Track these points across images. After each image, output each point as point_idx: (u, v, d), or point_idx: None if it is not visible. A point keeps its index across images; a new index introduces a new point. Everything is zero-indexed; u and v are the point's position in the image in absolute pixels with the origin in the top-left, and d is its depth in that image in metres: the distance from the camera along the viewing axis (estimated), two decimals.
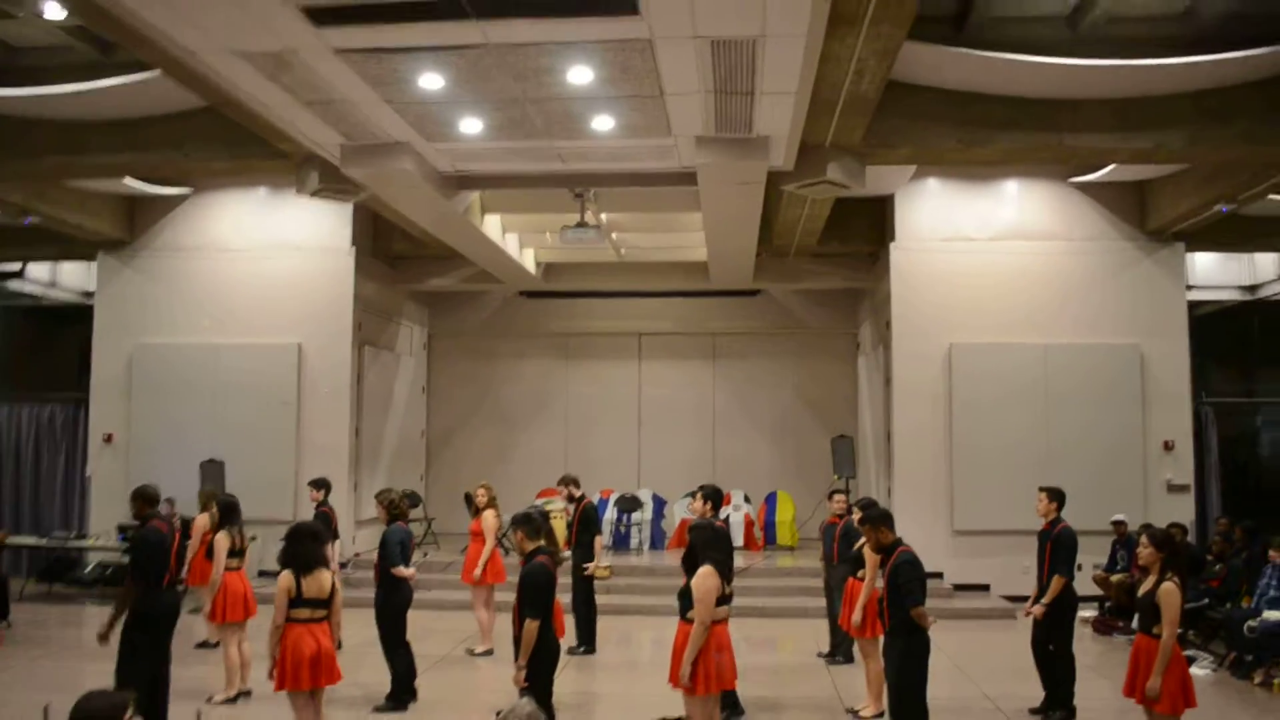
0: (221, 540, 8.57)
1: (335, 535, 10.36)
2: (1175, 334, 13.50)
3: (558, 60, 7.75)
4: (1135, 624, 6.31)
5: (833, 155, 10.20)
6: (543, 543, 6.49)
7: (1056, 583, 8.00)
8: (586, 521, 10.53)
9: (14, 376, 17.49)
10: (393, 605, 8.46)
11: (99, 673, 9.45)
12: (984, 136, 10.36)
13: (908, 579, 6.30)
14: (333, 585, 6.55)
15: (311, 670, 6.32)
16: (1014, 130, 10.32)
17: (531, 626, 6.14)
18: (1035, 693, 8.23)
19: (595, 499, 15.93)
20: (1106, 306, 13.53)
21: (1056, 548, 8.12)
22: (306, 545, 6.48)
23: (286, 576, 6.33)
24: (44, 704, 4.23)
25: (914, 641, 6.28)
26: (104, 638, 7.14)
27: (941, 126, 10.32)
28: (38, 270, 17.17)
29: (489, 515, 10.40)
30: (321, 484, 10.75)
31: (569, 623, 10.04)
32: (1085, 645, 10.84)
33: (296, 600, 6.32)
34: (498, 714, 3.56)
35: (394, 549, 8.44)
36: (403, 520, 8.74)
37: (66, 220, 13.56)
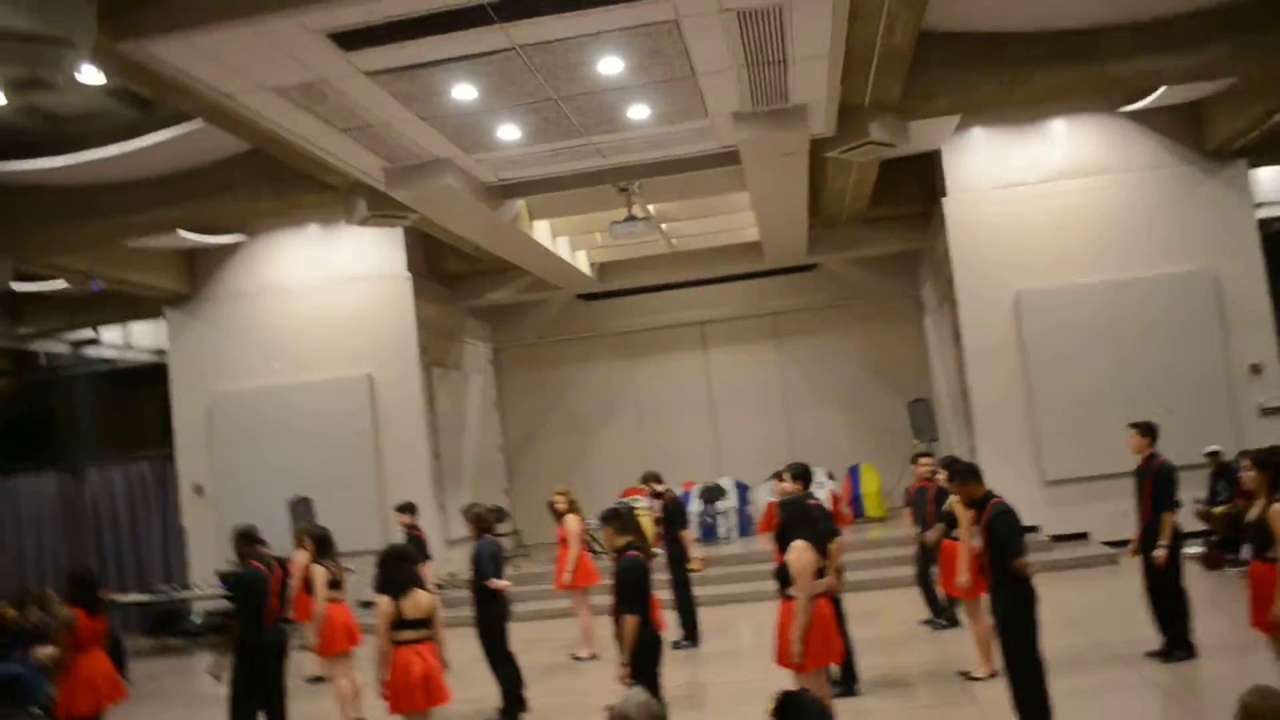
0: (319, 573, 8.66)
1: (428, 556, 10.48)
2: (1248, 254, 13.07)
3: (586, 53, 7.73)
4: (1248, 553, 6.06)
5: (873, 115, 10.03)
6: (632, 537, 6.46)
7: (1167, 519, 7.71)
8: (672, 517, 10.49)
9: (102, 438, 18.00)
10: (492, 619, 8.50)
11: (215, 718, 9.67)
12: (1024, 75, 10.14)
13: (1006, 530, 6.13)
14: (432, 605, 6.61)
15: (424, 691, 6.37)
16: (1054, 65, 10.10)
17: (631, 621, 6.13)
18: (1150, 636, 8.00)
19: (678, 492, 15.98)
20: (1174, 234, 13.15)
21: (1158, 483, 7.83)
22: (399, 568, 6.53)
23: (385, 602, 6.37)
24: None
25: (1020, 594, 6.10)
26: (216, 676, 7.28)
27: (980, 71, 10.13)
28: (110, 334, 17.65)
29: (571, 520, 10.41)
30: (407, 508, 10.90)
31: (669, 618, 10.04)
32: (1195, 582, 10.51)
33: (398, 623, 6.36)
34: (608, 709, 3.52)
35: (486, 563, 8.49)
36: (491, 533, 8.79)
37: (131, 280, 13.91)
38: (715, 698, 8.51)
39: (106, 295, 14.79)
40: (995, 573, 6.15)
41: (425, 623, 6.48)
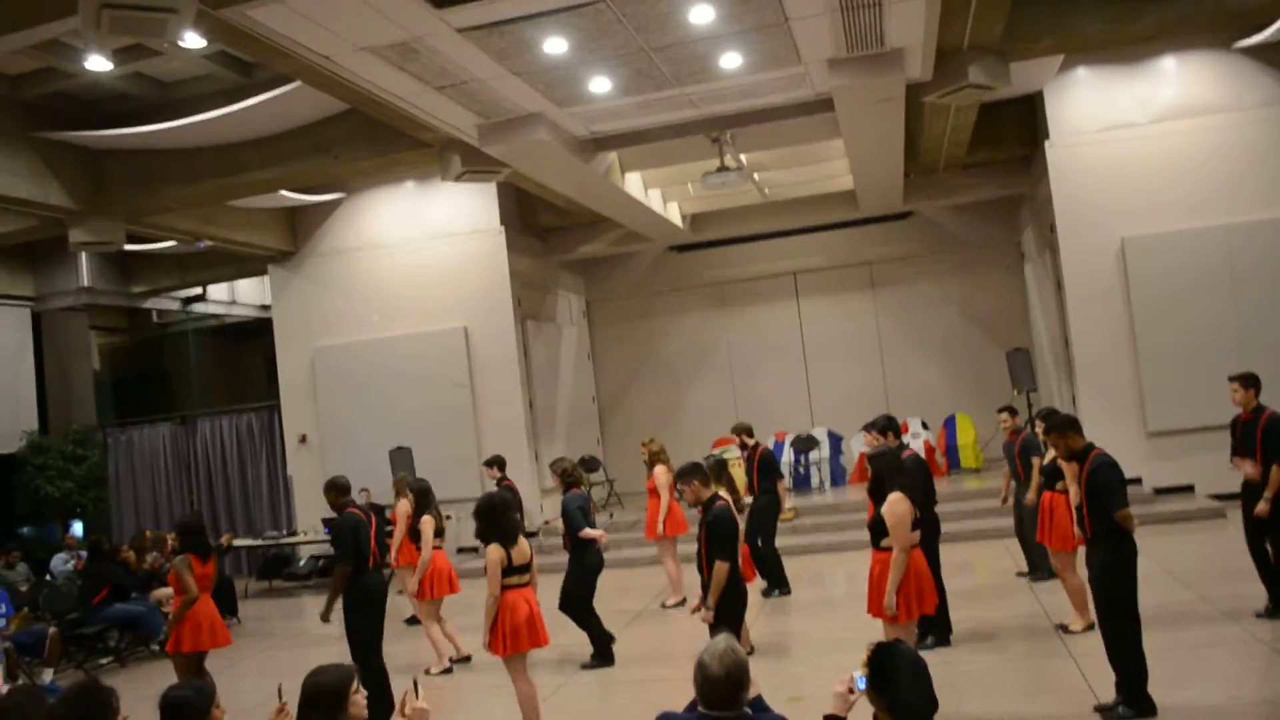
0: (426, 523, 8.95)
1: (520, 507, 10.72)
2: None
3: (677, 3, 7.66)
4: None
5: (972, 57, 9.73)
6: (720, 487, 6.51)
7: (1276, 473, 7.40)
8: (765, 468, 10.46)
9: (210, 391, 18.71)
10: (585, 570, 8.65)
11: (323, 655, 9.98)
12: (1132, 12, 9.73)
13: (1108, 481, 5.99)
14: (532, 552, 6.78)
15: (529, 633, 6.55)
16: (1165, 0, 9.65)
17: (722, 568, 6.23)
18: (1258, 594, 7.77)
19: (770, 442, 15.98)
20: None
21: (1268, 436, 7.48)
22: (506, 516, 6.69)
23: (496, 549, 6.51)
24: (276, 685, 4.50)
25: (1121, 547, 5.97)
26: (325, 618, 7.59)
27: (1084, 8, 9.75)
28: (218, 291, 18.26)
29: (660, 471, 10.50)
30: (495, 462, 11.13)
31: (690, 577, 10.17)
32: None
33: (507, 569, 6.53)
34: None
35: (575, 514, 8.65)
36: (577, 486, 8.96)
37: (236, 239, 14.33)
38: (803, 646, 8.55)
39: (213, 254, 15.30)
40: (1095, 525, 6.02)
41: (528, 568, 6.66)
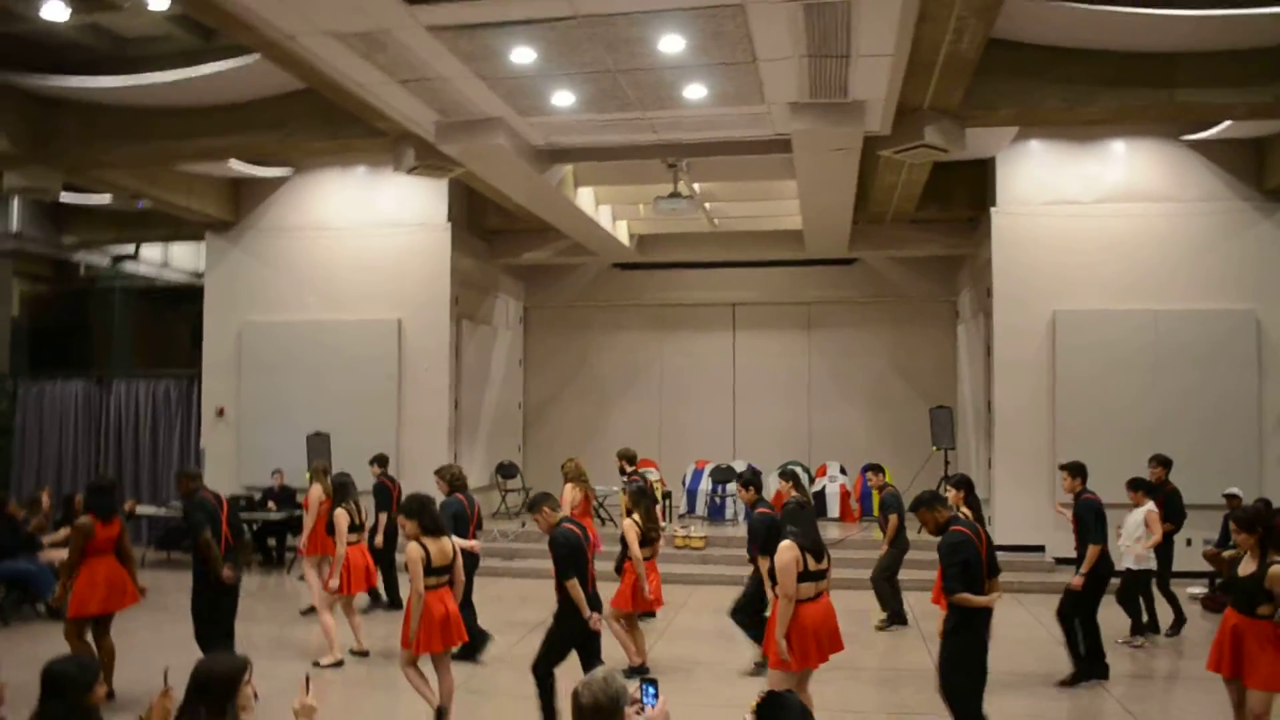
0: (341, 516, 8.86)
1: (395, 505, 10.97)
2: None
3: (648, 29, 7.71)
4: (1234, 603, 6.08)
5: (931, 118, 9.95)
6: (564, 513, 6.95)
7: (1092, 551, 8.06)
8: (637, 498, 10.44)
9: (131, 353, 18.26)
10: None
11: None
12: (1090, 94, 10.00)
13: (945, 562, 6.04)
14: (454, 552, 6.83)
15: (444, 633, 6.61)
16: (1122, 87, 9.94)
17: (574, 584, 6.56)
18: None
19: (690, 470, 16.07)
20: (1221, 270, 12.96)
21: (1080, 519, 8.26)
22: (430, 515, 6.67)
23: (416, 548, 6.53)
24: (164, 667, 4.41)
25: (967, 618, 6.00)
26: (228, 579, 7.71)
27: (1045, 85, 9.99)
28: (151, 252, 17.88)
29: (567, 489, 10.50)
30: (379, 460, 11.33)
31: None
32: (1195, 622, 10.52)
33: (427, 569, 6.54)
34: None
35: (448, 520, 8.72)
36: (460, 493, 9.08)
37: (175, 203, 14.03)
38: (702, 674, 8.58)
39: (150, 214, 14.98)
40: (946, 597, 6.12)
41: (448, 569, 6.68)
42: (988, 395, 13.99)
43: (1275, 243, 12.95)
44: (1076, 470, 8.53)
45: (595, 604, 6.76)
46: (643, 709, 3.82)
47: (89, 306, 18.88)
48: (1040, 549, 12.65)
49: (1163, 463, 10.02)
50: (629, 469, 10.67)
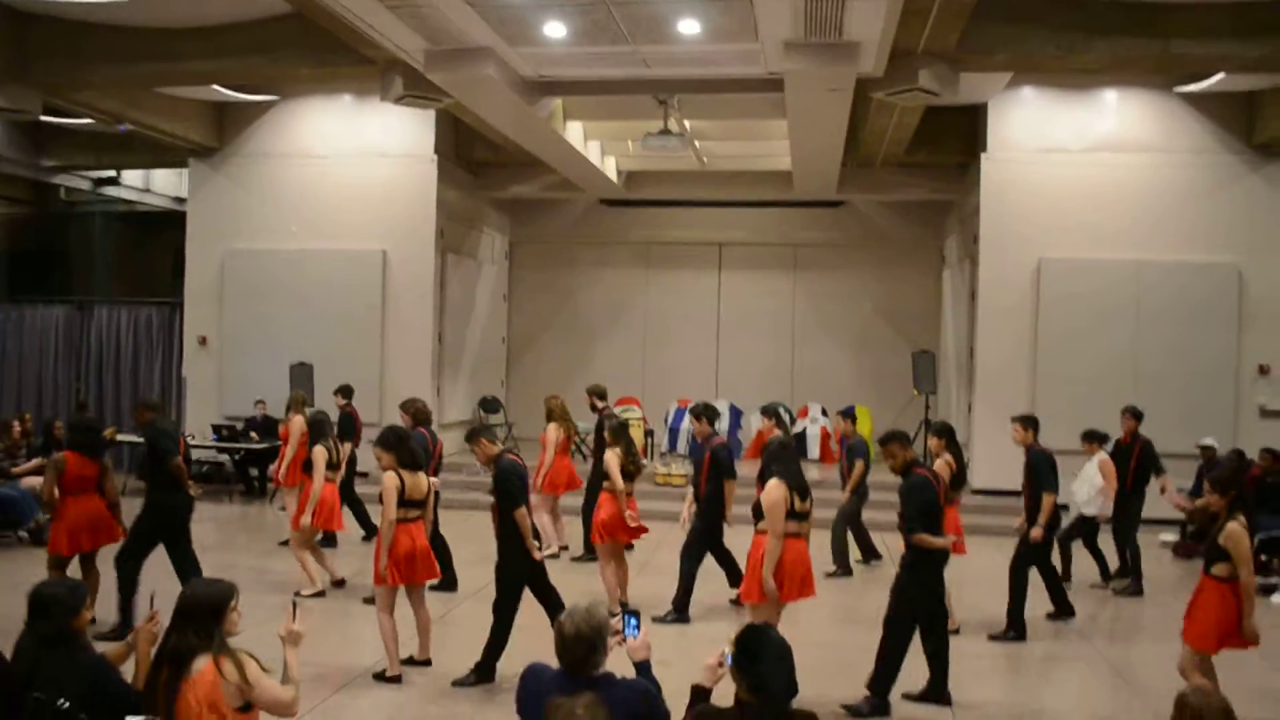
0: (319, 453, 8.84)
1: (358, 436, 11.08)
2: (1278, 253, 12.93)
3: None
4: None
5: (925, 62, 9.88)
6: (500, 446, 6.85)
7: (1048, 500, 8.07)
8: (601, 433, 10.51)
9: (113, 279, 18.10)
10: None
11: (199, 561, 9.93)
12: (1084, 42, 9.95)
13: (906, 503, 6.26)
14: (428, 487, 6.85)
15: (414, 566, 6.63)
16: (1117, 36, 9.90)
17: (523, 513, 6.57)
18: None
19: (673, 408, 16.13)
20: (1206, 223, 13.01)
21: (1034, 470, 8.24)
22: (408, 449, 6.67)
23: (392, 477, 6.53)
24: (150, 592, 4.44)
25: (922, 559, 6.27)
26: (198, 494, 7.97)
27: (1040, 31, 9.93)
28: (132, 177, 17.61)
29: (550, 428, 10.52)
30: (343, 391, 11.35)
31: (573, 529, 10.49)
32: (1166, 569, 10.73)
33: (401, 500, 6.55)
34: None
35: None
36: (424, 427, 9.06)
37: (158, 127, 13.81)
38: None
39: (132, 139, 14.71)
40: (905, 538, 6.29)
41: (420, 504, 6.69)
42: (970, 341, 14.06)
43: (1261, 197, 13.01)
44: (1029, 422, 8.52)
45: (535, 534, 6.86)
46: (624, 640, 3.90)
47: (69, 231, 18.67)
48: (1018, 494, 12.79)
49: (1134, 415, 10.03)
50: (600, 405, 10.69)
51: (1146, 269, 12.96)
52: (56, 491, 7.44)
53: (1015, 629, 8.02)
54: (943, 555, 6.36)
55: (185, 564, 7.66)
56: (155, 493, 7.70)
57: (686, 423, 15.92)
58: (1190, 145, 13.08)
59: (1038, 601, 8.74)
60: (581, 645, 3.61)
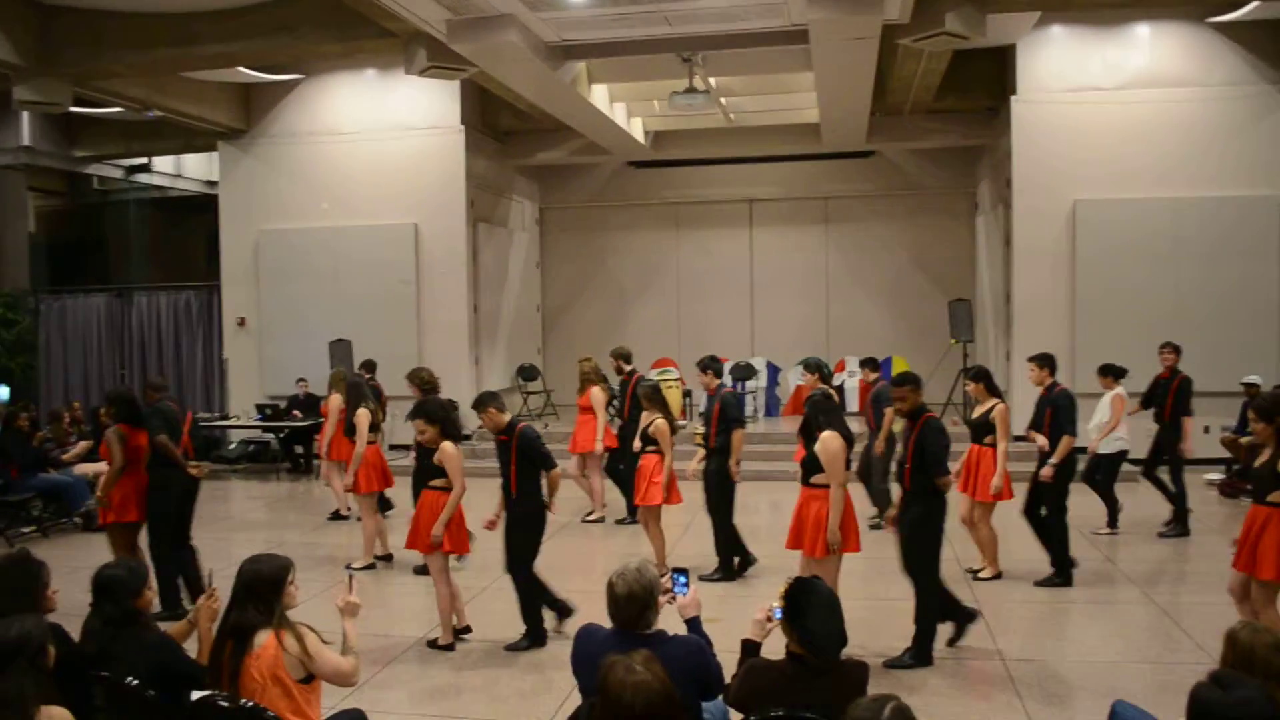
0: (363, 416, 8.95)
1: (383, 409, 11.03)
2: None
3: None
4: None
5: (951, 4, 9.73)
6: (509, 415, 6.86)
7: (1066, 442, 7.91)
8: (635, 397, 10.53)
9: (150, 265, 18.34)
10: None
11: (248, 541, 10.14)
12: None
13: (934, 446, 6.21)
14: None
15: (458, 534, 6.72)
16: None
17: (557, 472, 6.64)
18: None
19: None
20: (1244, 157, 12.76)
21: (1056, 410, 8.05)
22: (451, 420, 6.76)
23: (454, 446, 6.61)
24: (207, 570, 4.54)
25: (934, 505, 6.28)
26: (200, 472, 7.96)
27: None
28: (163, 163, 17.77)
29: (595, 391, 10.58)
30: (368, 365, 11.39)
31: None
32: (1211, 508, 10.65)
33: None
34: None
35: None
36: (434, 393, 9.05)
37: (186, 112, 13.92)
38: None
39: (161, 124, 14.83)
40: (914, 481, 6.27)
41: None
42: (1006, 287, 13.93)
43: None
44: (1045, 361, 8.35)
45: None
46: (674, 598, 3.95)
47: (104, 220, 18.90)
48: (1082, 450, 12.71)
49: (1174, 349, 9.75)
50: (626, 368, 10.75)
51: (1184, 206, 12.75)
52: (120, 459, 7.56)
53: (1061, 574, 8.00)
54: (944, 499, 6.39)
55: (158, 548, 7.69)
56: (152, 471, 7.73)
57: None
58: (1225, 77, 12.81)
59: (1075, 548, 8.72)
60: (634, 604, 3.66)
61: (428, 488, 6.73)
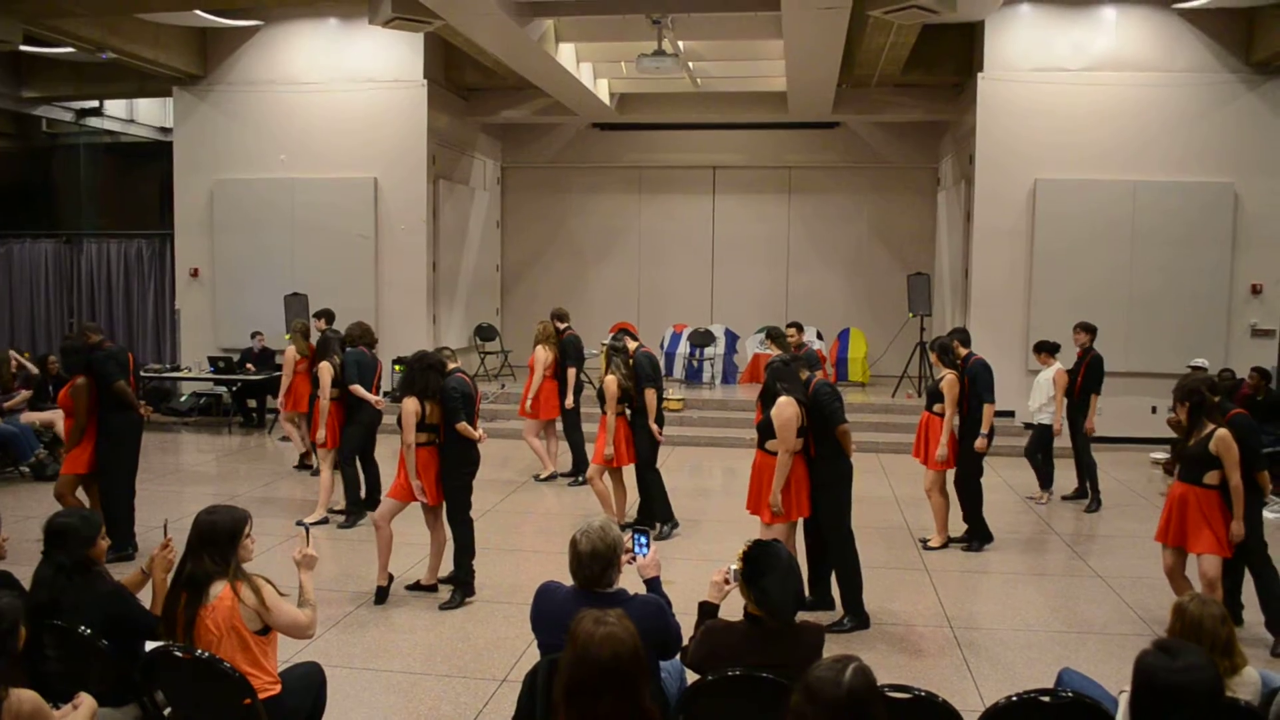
0: (325, 370, 8.86)
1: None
2: (1274, 173, 12.83)
3: None
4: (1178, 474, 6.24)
5: None
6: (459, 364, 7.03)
7: (988, 410, 8.08)
8: (566, 355, 10.63)
9: (100, 212, 17.94)
10: (355, 424, 8.94)
11: (197, 494, 10.04)
12: None
13: (828, 403, 6.34)
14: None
15: (434, 488, 6.81)
16: None
17: (464, 425, 6.67)
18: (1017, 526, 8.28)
19: (669, 334, 16.17)
20: (1202, 143, 12.92)
21: (975, 379, 8.18)
22: (429, 375, 6.73)
23: (413, 401, 6.66)
24: (162, 520, 4.49)
25: (839, 465, 6.41)
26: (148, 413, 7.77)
27: None
28: (115, 107, 17.36)
29: (538, 350, 10.60)
30: (324, 314, 11.00)
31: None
32: (1157, 485, 10.88)
33: (420, 424, 6.67)
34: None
35: (350, 369, 8.87)
36: (368, 348, 9.15)
37: (140, 55, 13.55)
38: (688, 530, 8.80)
39: (114, 67, 14.45)
40: (820, 445, 6.37)
41: (436, 428, 6.79)
42: (965, 263, 14.06)
43: (1258, 116, 12.91)
44: (962, 335, 8.58)
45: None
46: (634, 558, 3.97)
47: (53, 164, 18.46)
48: (1011, 414, 12.93)
49: (1087, 329, 10.01)
50: (561, 326, 10.79)
51: (1142, 189, 12.91)
52: (85, 415, 7.50)
53: (978, 536, 8.28)
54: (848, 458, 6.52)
55: (116, 490, 7.65)
56: (105, 414, 7.63)
57: (683, 347, 15.99)
58: (1189, 64, 12.94)
59: (1022, 521, 8.89)
60: (597, 562, 3.68)
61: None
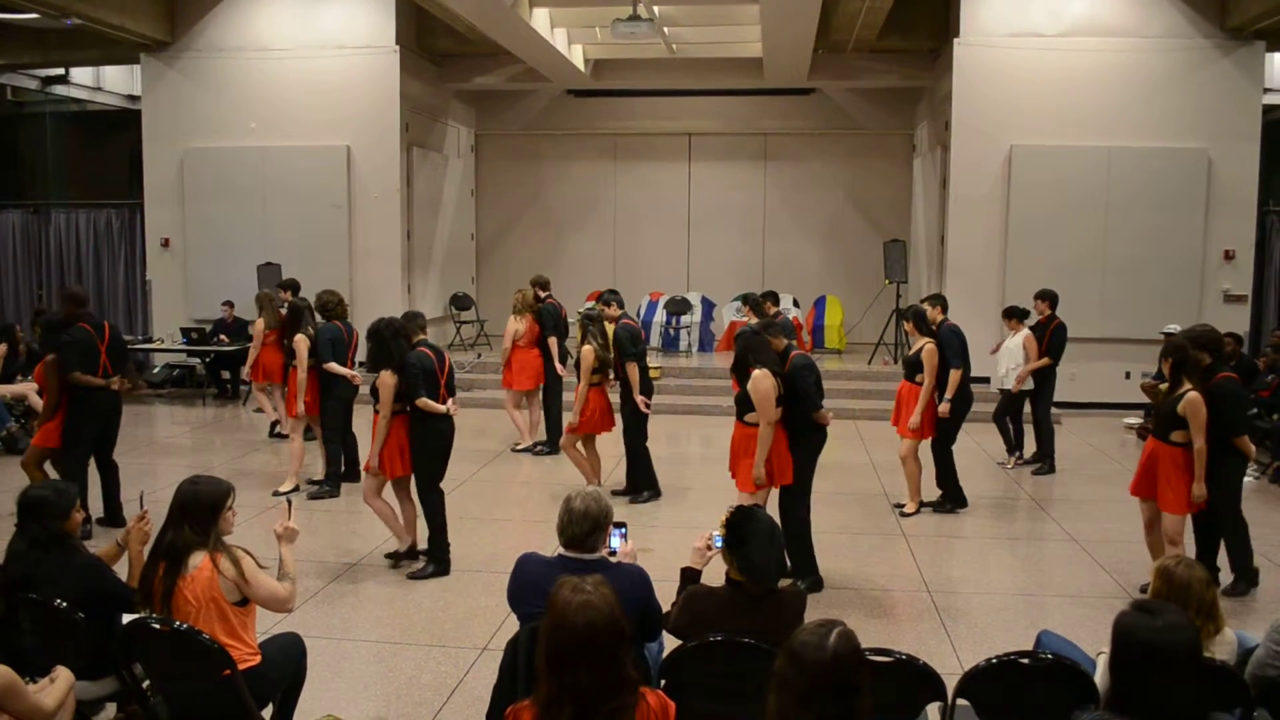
0: (301, 342, 8.77)
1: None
2: (1247, 138, 12.92)
3: None
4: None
5: None
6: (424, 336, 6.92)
7: (954, 375, 8.15)
8: (545, 323, 10.62)
9: (68, 182, 17.66)
10: (331, 398, 8.88)
11: (174, 466, 9.97)
12: None
13: (805, 384, 6.37)
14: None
15: (403, 459, 6.75)
16: None
17: (424, 400, 6.58)
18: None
19: (645, 301, 16.13)
20: (1176, 108, 12.96)
21: (946, 344, 8.21)
22: (399, 343, 6.68)
23: (390, 374, 6.58)
24: (138, 492, 4.44)
25: (813, 438, 6.49)
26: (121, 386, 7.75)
27: None
28: (82, 75, 17.03)
29: (511, 320, 10.56)
30: (290, 285, 10.93)
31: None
32: (1130, 450, 10.99)
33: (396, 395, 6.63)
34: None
35: (324, 346, 8.81)
36: (340, 321, 9.04)
37: (107, 21, 13.29)
38: (667, 498, 8.82)
39: (80, 34, 14.16)
40: (793, 419, 6.37)
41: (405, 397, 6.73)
42: (941, 230, 14.08)
43: (1231, 81, 12.95)
44: (937, 300, 8.72)
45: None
46: (612, 553, 3.94)
47: (18, 133, 18.13)
48: (985, 380, 12.98)
49: (1047, 297, 10.05)
50: (542, 295, 10.75)
51: (1117, 155, 12.95)
52: (57, 393, 7.41)
53: (950, 498, 8.42)
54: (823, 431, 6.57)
55: (70, 464, 7.51)
56: (76, 391, 7.48)
57: (659, 316, 15.96)
58: (1164, 29, 12.95)
59: (994, 486, 8.96)
60: (587, 521, 3.71)
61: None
